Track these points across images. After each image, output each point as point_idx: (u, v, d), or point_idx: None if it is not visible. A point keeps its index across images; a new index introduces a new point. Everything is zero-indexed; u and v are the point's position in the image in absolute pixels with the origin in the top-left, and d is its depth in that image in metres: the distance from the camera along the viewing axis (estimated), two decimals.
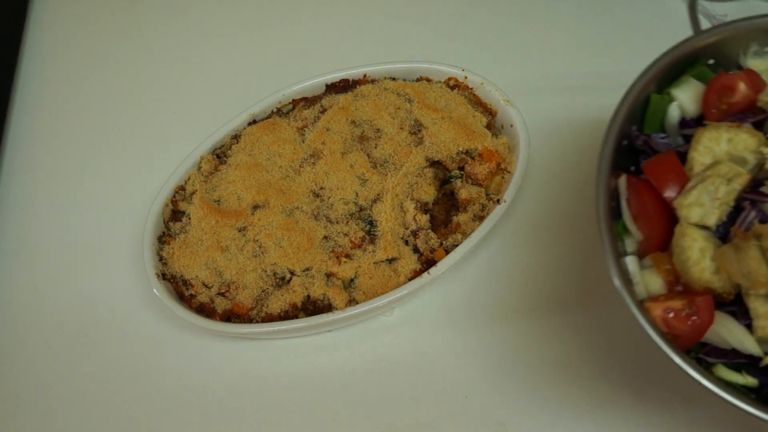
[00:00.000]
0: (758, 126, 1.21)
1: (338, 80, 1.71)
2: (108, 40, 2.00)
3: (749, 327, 1.11)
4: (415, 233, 1.50)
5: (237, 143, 1.63)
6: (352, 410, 1.43)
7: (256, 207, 1.52)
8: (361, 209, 1.52)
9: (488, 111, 1.67)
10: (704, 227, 1.13)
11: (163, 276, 1.48)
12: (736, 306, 1.13)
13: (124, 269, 1.60)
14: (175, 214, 1.57)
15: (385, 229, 1.48)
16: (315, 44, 1.95)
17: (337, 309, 1.41)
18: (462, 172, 1.59)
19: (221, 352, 1.50)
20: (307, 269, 1.46)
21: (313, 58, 1.90)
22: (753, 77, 1.24)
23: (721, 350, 1.13)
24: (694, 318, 1.09)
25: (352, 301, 1.43)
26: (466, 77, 1.69)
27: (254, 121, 1.68)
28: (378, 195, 1.53)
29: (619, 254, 1.15)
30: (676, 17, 1.80)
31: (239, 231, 1.50)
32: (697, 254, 1.11)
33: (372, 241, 1.49)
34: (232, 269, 1.46)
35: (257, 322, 1.43)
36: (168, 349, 1.51)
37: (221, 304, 1.45)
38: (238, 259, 1.46)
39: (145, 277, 1.46)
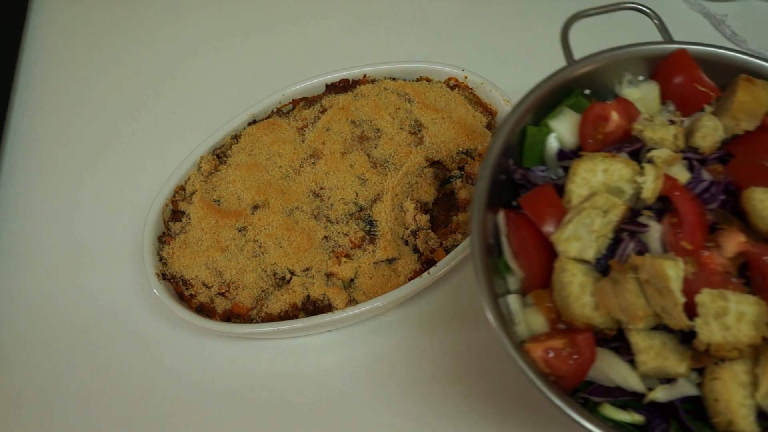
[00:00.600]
0: (635, 155, 1.20)
1: (338, 80, 1.70)
2: (108, 41, 2.00)
3: (633, 363, 1.08)
4: (415, 233, 1.50)
5: (237, 143, 1.63)
6: (352, 410, 1.42)
7: (256, 207, 1.52)
8: (361, 209, 1.52)
9: (488, 111, 1.71)
10: (584, 261, 1.10)
11: (163, 276, 1.47)
12: (620, 342, 1.11)
13: (124, 269, 1.59)
14: (175, 214, 1.57)
15: (385, 229, 1.48)
16: (315, 44, 1.95)
17: (337, 309, 1.41)
18: (462, 172, 1.60)
19: (221, 352, 1.49)
20: (307, 269, 1.45)
21: (313, 58, 1.91)
22: (626, 106, 1.23)
23: (607, 388, 1.11)
24: (576, 357, 1.06)
25: (352, 301, 1.43)
26: (466, 77, 1.70)
27: (254, 121, 1.67)
28: (378, 195, 1.53)
29: (497, 294, 1.13)
30: (680, 19, 1.82)
31: (239, 231, 1.50)
32: (577, 290, 1.09)
33: (372, 241, 1.48)
34: (232, 269, 1.46)
35: (257, 322, 1.42)
36: (168, 349, 1.50)
37: (221, 304, 1.44)
38: (238, 259, 1.46)
39: (145, 277, 1.45)
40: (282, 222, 1.48)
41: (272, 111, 1.70)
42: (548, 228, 1.13)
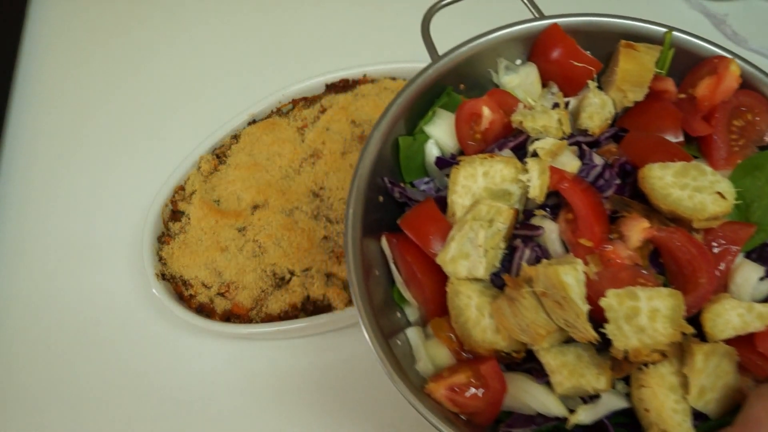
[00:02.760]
0: (521, 148, 0.81)
1: (338, 80, 1.36)
2: (108, 40, 1.63)
3: (549, 384, 0.72)
4: None
5: (237, 143, 1.29)
6: (353, 410, 1.10)
7: (255, 207, 1.20)
8: None
9: None
10: (478, 280, 0.74)
11: (163, 276, 1.15)
12: (533, 362, 0.74)
13: (124, 269, 1.25)
14: (174, 214, 1.23)
15: None
16: (315, 44, 1.57)
17: (336, 309, 1.10)
18: None
19: (221, 352, 1.16)
20: (307, 269, 1.13)
21: (313, 58, 1.53)
22: (499, 97, 0.84)
23: (528, 417, 0.74)
24: (482, 390, 0.71)
25: (351, 301, 1.10)
26: None
27: (254, 121, 1.32)
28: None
29: (391, 332, 0.77)
30: (681, 18, 1.44)
31: (239, 231, 1.18)
32: (475, 313, 0.72)
33: None
34: (232, 269, 1.14)
35: (257, 322, 1.11)
36: (167, 349, 1.17)
37: (221, 304, 1.13)
38: (238, 259, 1.15)
39: (145, 277, 1.14)
40: (282, 222, 1.16)
41: (272, 111, 1.34)
42: (434, 248, 0.75)
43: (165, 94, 1.48)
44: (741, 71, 0.80)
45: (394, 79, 1.34)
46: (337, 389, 1.11)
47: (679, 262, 0.69)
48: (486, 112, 0.78)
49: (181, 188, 1.24)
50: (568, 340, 0.69)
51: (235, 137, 1.29)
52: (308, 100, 1.34)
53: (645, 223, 0.70)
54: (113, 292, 1.22)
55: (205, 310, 1.13)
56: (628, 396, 0.71)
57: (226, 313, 1.12)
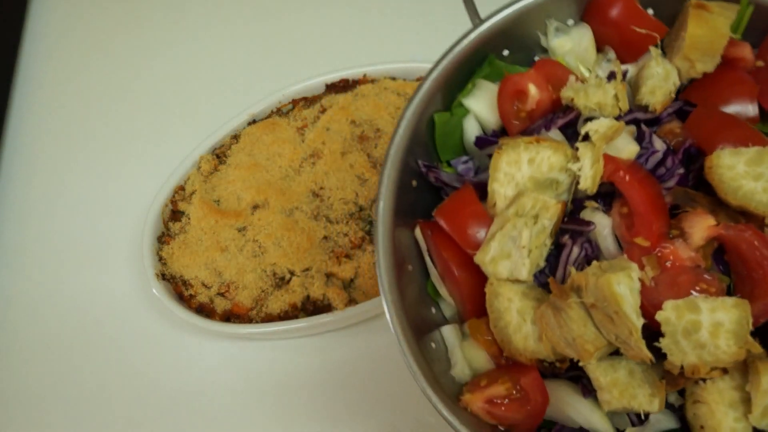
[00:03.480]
0: (571, 127, 0.75)
1: (338, 80, 1.37)
2: (108, 40, 1.62)
3: (597, 398, 0.68)
4: None
5: (237, 143, 1.33)
6: (353, 410, 1.12)
7: (255, 207, 1.23)
8: (361, 209, 1.22)
9: None
10: (520, 281, 0.69)
11: (163, 276, 1.19)
12: (578, 368, 0.68)
13: (124, 269, 1.29)
14: (174, 214, 1.27)
15: None
16: (315, 44, 1.56)
17: (336, 309, 1.12)
18: None
19: (221, 352, 1.20)
20: (307, 269, 1.17)
21: (313, 58, 1.52)
22: (547, 70, 0.76)
23: (572, 429, 0.70)
24: (524, 404, 0.67)
25: (351, 301, 1.14)
26: None
27: (254, 121, 1.36)
28: (378, 195, 1.15)
29: (423, 330, 0.72)
30: None
31: (239, 231, 1.21)
32: (516, 318, 0.67)
33: (372, 241, 1.20)
34: (232, 269, 1.17)
35: (257, 322, 1.15)
36: (167, 349, 1.22)
37: (221, 305, 1.17)
38: (238, 259, 1.18)
39: (145, 277, 1.18)
40: (282, 222, 1.19)
41: (272, 111, 1.37)
42: (472, 243, 0.71)
43: (165, 94, 1.53)
44: None
45: (394, 79, 1.37)
46: (336, 389, 1.15)
47: (748, 264, 0.64)
48: (532, 90, 0.73)
49: (181, 188, 1.29)
50: (618, 351, 0.62)
51: (235, 137, 1.34)
52: (308, 100, 1.38)
53: (711, 220, 0.66)
54: (113, 292, 1.27)
55: (205, 310, 1.17)
56: (680, 409, 0.64)
57: (226, 313, 1.17)
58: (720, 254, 0.68)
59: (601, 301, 0.61)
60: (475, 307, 0.72)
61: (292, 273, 1.17)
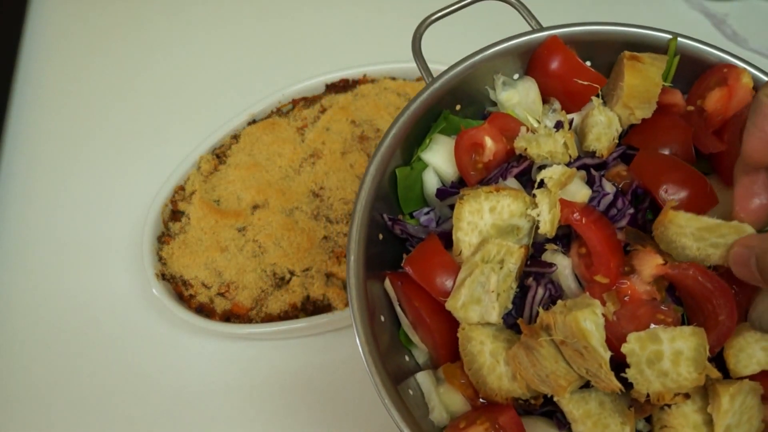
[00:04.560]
0: (526, 174, 0.75)
1: (338, 80, 1.32)
2: (108, 40, 1.59)
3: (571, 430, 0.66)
4: None
5: (237, 143, 1.26)
6: (352, 410, 1.07)
7: (255, 207, 1.17)
8: None
9: None
10: (490, 324, 0.68)
11: (163, 276, 1.12)
12: (552, 404, 0.68)
13: (124, 269, 1.21)
14: (174, 214, 1.20)
15: None
16: (315, 44, 1.52)
17: (336, 309, 1.07)
18: None
19: (221, 352, 1.13)
20: (307, 269, 1.10)
21: (313, 58, 1.48)
22: (500, 123, 0.75)
23: None
24: None
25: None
26: None
27: (254, 121, 1.28)
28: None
29: (401, 375, 0.71)
30: (681, 18, 1.38)
31: (239, 231, 1.15)
32: (489, 360, 0.67)
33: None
34: (232, 269, 1.12)
35: (257, 322, 1.09)
36: (167, 350, 1.14)
37: (221, 305, 1.10)
38: (238, 259, 1.12)
39: (145, 277, 1.12)
40: (282, 222, 1.14)
41: (272, 111, 1.30)
42: (442, 291, 0.70)
43: (165, 94, 1.44)
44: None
45: (394, 78, 1.30)
46: (336, 389, 1.09)
47: (697, 298, 0.64)
48: (488, 142, 0.72)
49: (181, 188, 1.21)
50: (588, 383, 0.65)
51: (235, 137, 1.26)
52: (308, 100, 1.30)
53: (659, 259, 0.65)
54: (113, 292, 1.18)
55: (205, 310, 1.10)
56: None
57: (226, 313, 1.09)
58: (672, 289, 0.66)
59: (571, 338, 0.58)
60: (448, 351, 0.70)
61: (292, 273, 1.09)
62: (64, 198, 1.29)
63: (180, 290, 1.13)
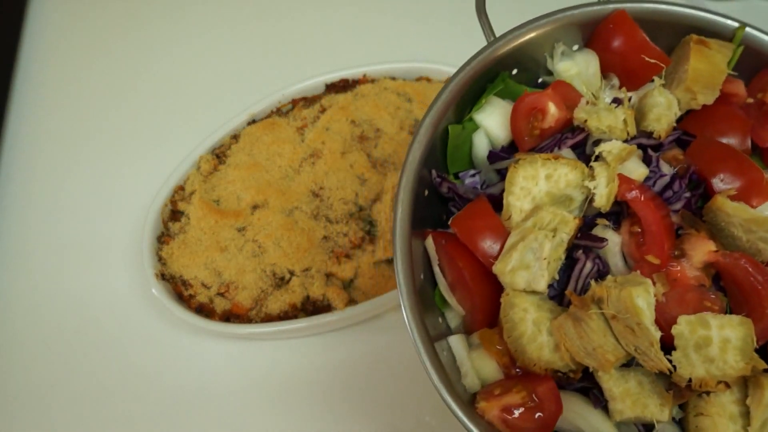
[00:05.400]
0: (580, 147, 0.75)
1: (338, 80, 1.33)
2: (107, 40, 1.57)
3: (606, 409, 0.67)
4: None
5: (236, 143, 1.27)
6: (353, 410, 1.08)
7: (255, 207, 1.18)
8: (361, 209, 1.18)
9: None
10: (535, 292, 0.68)
11: (162, 276, 1.13)
12: (586, 380, 0.69)
13: (123, 269, 1.22)
14: (174, 214, 1.21)
15: (384, 229, 1.16)
16: (315, 44, 1.50)
17: (336, 309, 1.09)
18: None
19: (220, 352, 1.14)
20: (307, 269, 1.12)
21: (313, 58, 1.46)
22: (563, 91, 0.76)
23: None
24: (538, 413, 0.65)
25: (351, 301, 1.11)
26: None
27: (254, 121, 1.30)
28: (378, 195, 1.18)
29: (432, 337, 0.69)
30: None
31: (238, 231, 1.16)
32: (531, 328, 0.66)
33: (371, 241, 1.15)
34: (232, 269, 1.12)
35: (256, 322, 1.10)
36: (167, 350, 1.15)
37: (220, 305, 1.12)
38: (238, 259, 1.13)
39: (145, 277, 1.13)
40: (281, 222, 1.14)
41: (272, 111, 1.31)
42: (488, 254, 0.69)
43: (165, 93, 1.46)
44: None
45: (393, 78, 1.33)
46: (336, 389, 1.11)
47: (743, 289, 0.65)
48: (552, 109, 0.71)
49: (181, 188, 1.23)
50: (628, 362, 0.63)
51: (235, 137, 1.28)
52: (308, 100, 1.33)
53: (711, 246, 0.66)
54: (113, 292, 1.21)
55: (204, 310, 1.12)
56: (680, 422, 0.66)
57: (225, 313, 1.12)
58: (717, 278, 0.67)
59: (623, 313, 0.60)
60: (486, 316, 0.70)
61: (291, 273, 1.12)
62: (64, 198, 1.33)
63: (180, 290, 1.15)
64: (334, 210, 1.16)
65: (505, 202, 0.70)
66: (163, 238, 1.18)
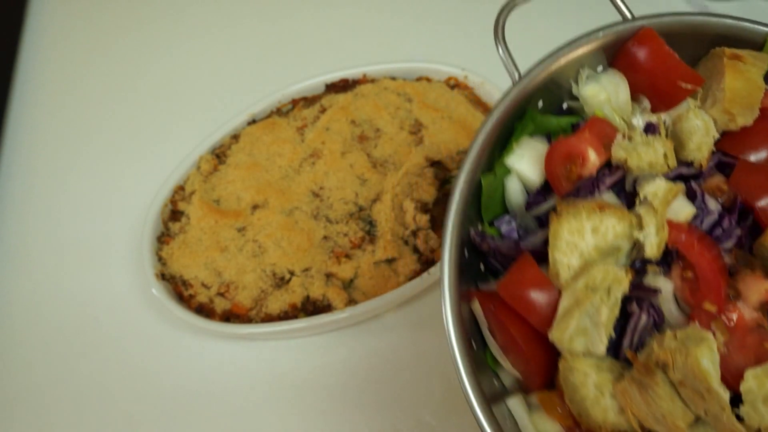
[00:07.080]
0: (619, 185, 0.69)
1: (338, 80, 1.31)
2: (107, 40, 1.54)
3: None
4: (414, 233, 1.12)
5: (236, 143, 1.25)
6: (353, 411, 1.05)
7: (255, 207, 1.16)
8: (361, 209, 1.15)
9: (488, 111, 1.22)
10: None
11: (163, 276, 1.12)
12: None
13: (123, 269, 1.20)
14: (174, 214, 1.19)
15: (384, 229, 1.11)
16: (315, 44, 1.48)
17: (336, 309, 1.05)
18: None
19: (220, 352, 1.12)
20: (307, 269, 1.10)
21: (313, 58, 1.44)
22: (599, 129, 0.69)
23: None
24: None
25: (351, 302, 1.07)
26: (466, 77, 1.29)
27: (254, 121, 1.28)
28: (378, 195, 1.15)
29: (489, 400, 0.65)
30: None
31: (238, 231, 1.14)
32: (593, 392, 0.63)
33: (372, 241, 1.12)
34: (232, 269, 1.10)
35: (256, 322, 1.08)
36: (167, 350, 1.13)
37: (220, 305, 1.09)
38: (238, 259, 1.11)
39: (145, 277, 1.12)
40: (281, 222, 1.12)
41: (272, 111, 1.30)
42: (542, 318, 0.65)
43: (165, 93, 1.44)
44: None
45: (393, 78, 1.30)
46: (336, 390, 1.08)
47: None
48: (593, 156, 0.65)
49: (181, 188, 1.21)
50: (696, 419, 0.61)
51: (235, 137, 1.26)
52: (308, 100, 1.31)
53: (767, 284, 0.61)
54: (113, 292, 1.18)
55: (204, 310, 1.09)
56: None
57: (225, 313, 1.09)
58: None
59: (691, 379, 0.57)
60: (543, 379, 0.67)
61: (291, 273, 1.09)
62: (64, 198, 1.30)
63: (180, 290, 1.12)
64: (334, 210, 1.14)
65: (551, 258, 0.65)
66: (163, 238, 1.16)
